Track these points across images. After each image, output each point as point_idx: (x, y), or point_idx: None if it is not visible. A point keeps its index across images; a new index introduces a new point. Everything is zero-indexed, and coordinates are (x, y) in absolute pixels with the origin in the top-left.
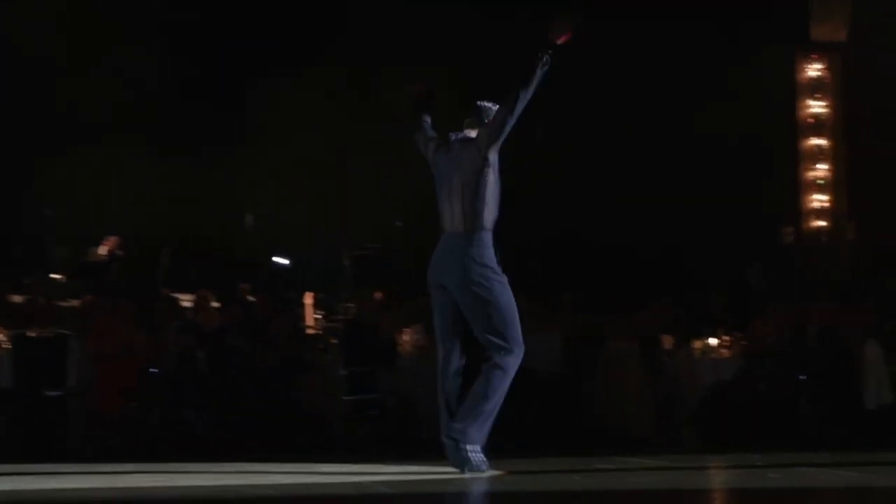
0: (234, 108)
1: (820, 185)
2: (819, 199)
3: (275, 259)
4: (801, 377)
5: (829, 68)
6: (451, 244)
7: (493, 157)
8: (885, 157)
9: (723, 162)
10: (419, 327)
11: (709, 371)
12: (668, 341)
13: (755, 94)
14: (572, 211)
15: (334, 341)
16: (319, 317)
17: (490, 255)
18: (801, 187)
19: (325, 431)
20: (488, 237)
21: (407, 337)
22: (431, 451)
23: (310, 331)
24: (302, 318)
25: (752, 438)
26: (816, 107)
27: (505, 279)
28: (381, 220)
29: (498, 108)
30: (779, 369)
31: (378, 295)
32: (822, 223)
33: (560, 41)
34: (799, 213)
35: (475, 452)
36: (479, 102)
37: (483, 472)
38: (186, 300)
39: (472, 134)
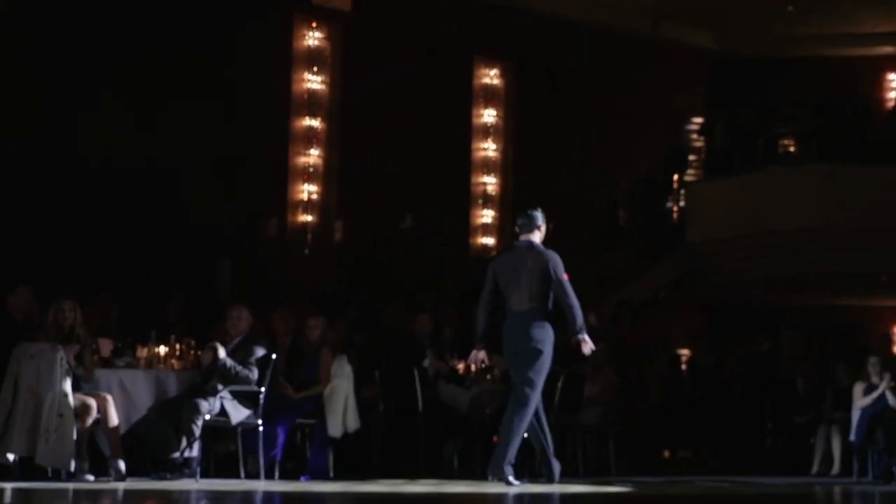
0: None
1: (310, 173)
2: (308, 190)
3: None
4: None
5: (328, 38)
6: (520, 320)
7: None
8: (378, 144)
9: (200, 142)
10: None
11: (153, 386)
12: (106, 348)
13: (245, 62)
14: None
15: None
16: None
17: (547, 326)
18: (289, 175)
19: None
20: (545, 315)
21: None
22: None
23: None
24: None
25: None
26: (314, 82)
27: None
28: None
29: (564, 292)
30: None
31: None
32: (310, 218)
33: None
34: (284, 204)
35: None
36: (529, 211)
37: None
38: None
39: (534, 237)
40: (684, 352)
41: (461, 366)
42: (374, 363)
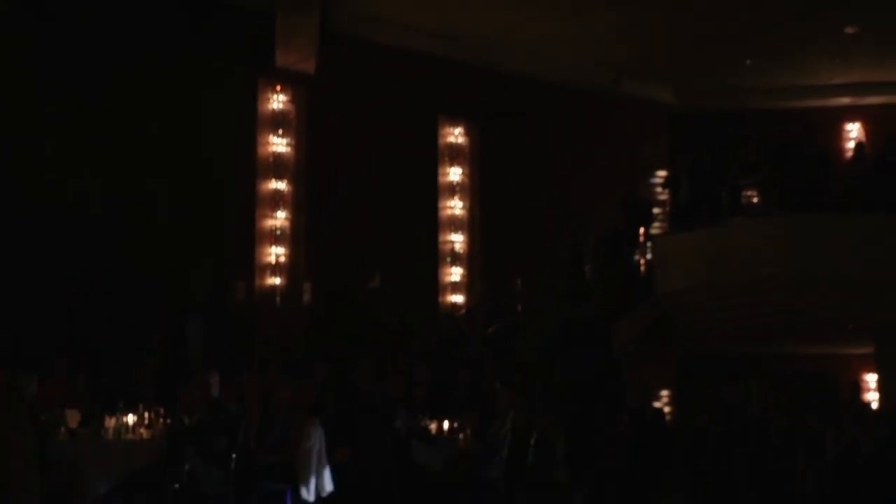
0: None
1: (277, 235)
2: (276, 252)
3: None
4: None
5: (293, 101)
6: None
7: None
8: (345, 205)
9: (167, 201)
10: None
11: (122, 456)
12: (73, 419)
13: (210, 125)
14: None
15: None
16: None
17: None
18: (257, 237)
19: None
20: None
21: None
22: None
23: None
24: None
25: None
26: (279, 145)
27: None
28: None
29: None
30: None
31: None
32: (278, 280)
33: None
34: (252, 266)
35: None
36: None
37: None
38: None
39: None
40: (655, 405)
41: (433, 425)
42: (345, 424)
